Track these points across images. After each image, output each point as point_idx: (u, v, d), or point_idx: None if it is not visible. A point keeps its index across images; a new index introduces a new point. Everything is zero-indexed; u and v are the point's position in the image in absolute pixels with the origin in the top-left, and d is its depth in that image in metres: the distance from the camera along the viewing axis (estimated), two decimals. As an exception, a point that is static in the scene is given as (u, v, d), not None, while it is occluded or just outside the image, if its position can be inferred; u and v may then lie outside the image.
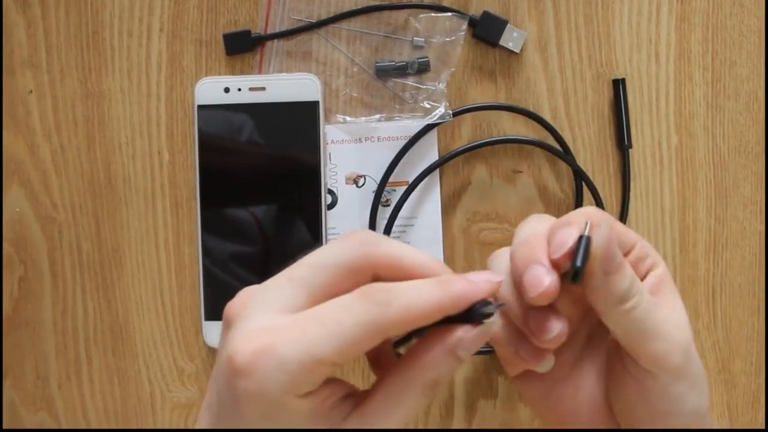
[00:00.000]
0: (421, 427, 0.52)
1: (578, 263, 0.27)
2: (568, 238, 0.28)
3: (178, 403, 0.52)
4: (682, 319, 0.32)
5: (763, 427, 0.51)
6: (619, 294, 0.29)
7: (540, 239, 0.29)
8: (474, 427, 0.52)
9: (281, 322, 0.26)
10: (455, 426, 0.52)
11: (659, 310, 0.30)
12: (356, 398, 0.27)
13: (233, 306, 0.27)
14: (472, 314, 0.26)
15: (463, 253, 0.51)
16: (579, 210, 0.31)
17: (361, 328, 0.25)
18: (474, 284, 0.26)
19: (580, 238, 0.27)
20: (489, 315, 0.26)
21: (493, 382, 0.52)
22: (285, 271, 0.28)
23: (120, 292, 0.51)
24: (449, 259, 0.51)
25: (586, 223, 0.28)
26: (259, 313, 0.26)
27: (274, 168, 0.50)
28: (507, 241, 0.33)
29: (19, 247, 0.51)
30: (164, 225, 0.51)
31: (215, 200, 0.50)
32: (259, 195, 0.50)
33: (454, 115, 0.49)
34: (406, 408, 0.26)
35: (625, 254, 0.31)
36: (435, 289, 0.26)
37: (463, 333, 0.26)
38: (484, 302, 0.26)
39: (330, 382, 0.27)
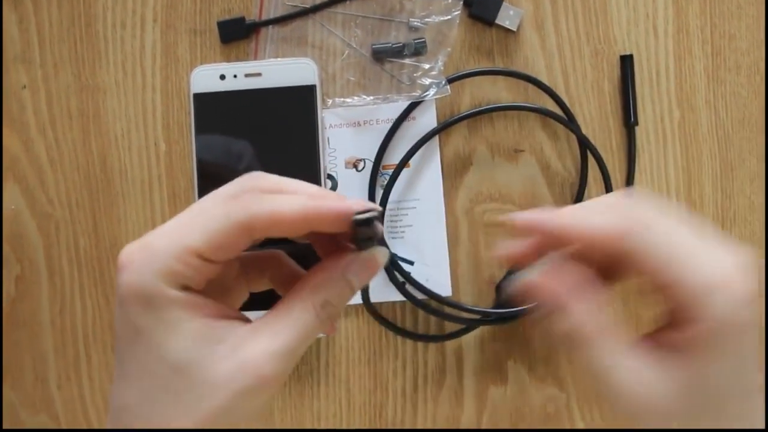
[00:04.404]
0: (430, 415, 0.50)
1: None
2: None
3: (180, 399, 0.50)
4: None
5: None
6: None
7: None
8: (485, 415, 0.50)
9: (165, 226, 0.27)
10: (466, 415, 0.50)
11: None
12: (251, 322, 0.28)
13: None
14: (359, 241, 0.28)
15: (467, 234, 0.50)
16: None
17: (228, 221, 0.26)
18: (345, 202, 0.27)
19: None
20: (371, 240, 0.27)
21: (503, 368, 0.50)
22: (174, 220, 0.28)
23: (119, 287, 0.50)
24: (453, 240, 0.50)
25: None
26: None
27: (272, 154, 0.49)
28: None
29: (15, 245, 0.50)
30: (162, 217, 0.50)
31: (213, 189, 0.49)
32: (257, 182, 0.49)
33: (450, 81, 0.49)
34: (297, 327, 0.27)
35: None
36: (306, 201, 0.27)
37: (352, 258, 0.28)
38: (370, 224, 0.27)
39: (222, 300, 0.28)
